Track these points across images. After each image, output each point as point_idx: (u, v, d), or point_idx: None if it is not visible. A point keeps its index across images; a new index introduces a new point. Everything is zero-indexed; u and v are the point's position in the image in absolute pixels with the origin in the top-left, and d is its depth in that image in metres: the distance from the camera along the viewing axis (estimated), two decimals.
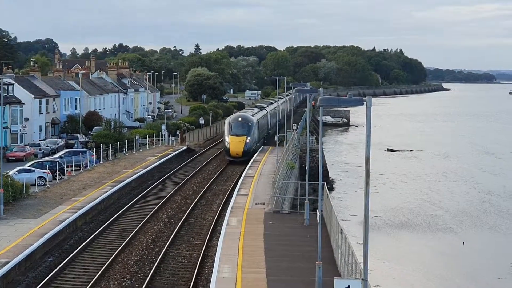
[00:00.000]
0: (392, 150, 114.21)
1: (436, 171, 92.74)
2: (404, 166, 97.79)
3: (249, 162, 67.28)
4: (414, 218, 62.20)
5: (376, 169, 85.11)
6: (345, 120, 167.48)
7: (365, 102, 15.07)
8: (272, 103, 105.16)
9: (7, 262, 31.76)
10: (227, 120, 78.35)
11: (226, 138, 73.92)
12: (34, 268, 33.90)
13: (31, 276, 32.67)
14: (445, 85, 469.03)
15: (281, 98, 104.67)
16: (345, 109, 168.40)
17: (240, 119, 76.03)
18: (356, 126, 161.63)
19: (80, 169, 62.29)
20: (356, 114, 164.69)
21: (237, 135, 73.32)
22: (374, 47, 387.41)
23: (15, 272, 32.17)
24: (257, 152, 75.46)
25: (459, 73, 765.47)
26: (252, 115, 79.78)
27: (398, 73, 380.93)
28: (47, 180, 55.00)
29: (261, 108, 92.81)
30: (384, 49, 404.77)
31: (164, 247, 37.80)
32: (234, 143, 72.70)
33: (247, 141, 73.25)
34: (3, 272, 30.64)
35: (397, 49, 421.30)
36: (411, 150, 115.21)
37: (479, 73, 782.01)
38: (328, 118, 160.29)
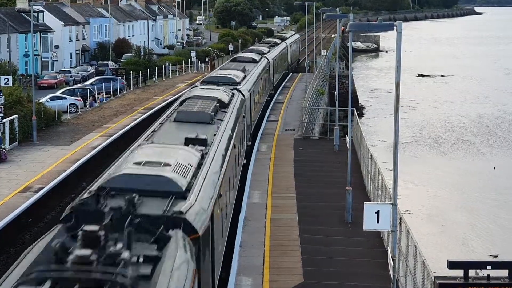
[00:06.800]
0: (423, 75, 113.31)
1: (467, 95, 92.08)
2: (435, 91, 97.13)
3: (278, 89, 67.18)
4: (444, 143, 62.10)
5: (406, 94, 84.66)
6: (375, 45, 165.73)
7: (395, 27, 14.98)
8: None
9: (42, 188, 32.37)
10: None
11: None
12: (68, 193, 34.51)
13: (65, 201, 33.27)
14: (477, 9, 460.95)
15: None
16: (375, 34, 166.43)
17: None
18: (386, 51, 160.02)
19: (110, 96, 62.70)
20: (387, 39, 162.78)
21: None
22: None
23: (50, 197, 32.79)
24: (287, 79, 75.20)
25: None
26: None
27: None
28: (79, 107, 55.52)
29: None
30: None
31: None
32: None
33: None
34: (38, 197, 31.25)
35: None
36: (442, 75, 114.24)
37: None
38: (358, 44, 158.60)
